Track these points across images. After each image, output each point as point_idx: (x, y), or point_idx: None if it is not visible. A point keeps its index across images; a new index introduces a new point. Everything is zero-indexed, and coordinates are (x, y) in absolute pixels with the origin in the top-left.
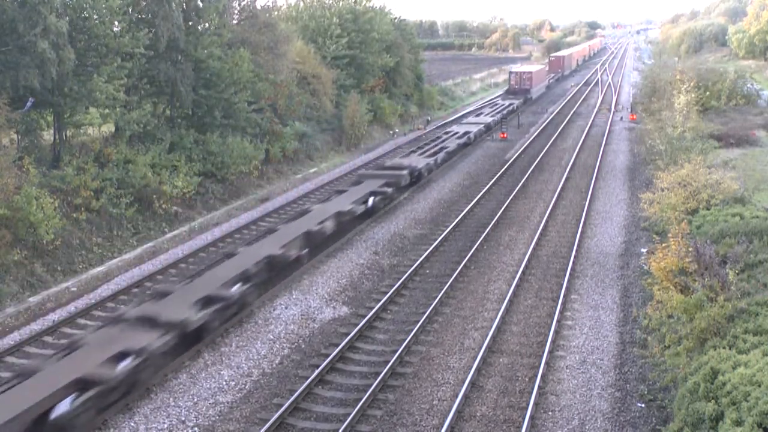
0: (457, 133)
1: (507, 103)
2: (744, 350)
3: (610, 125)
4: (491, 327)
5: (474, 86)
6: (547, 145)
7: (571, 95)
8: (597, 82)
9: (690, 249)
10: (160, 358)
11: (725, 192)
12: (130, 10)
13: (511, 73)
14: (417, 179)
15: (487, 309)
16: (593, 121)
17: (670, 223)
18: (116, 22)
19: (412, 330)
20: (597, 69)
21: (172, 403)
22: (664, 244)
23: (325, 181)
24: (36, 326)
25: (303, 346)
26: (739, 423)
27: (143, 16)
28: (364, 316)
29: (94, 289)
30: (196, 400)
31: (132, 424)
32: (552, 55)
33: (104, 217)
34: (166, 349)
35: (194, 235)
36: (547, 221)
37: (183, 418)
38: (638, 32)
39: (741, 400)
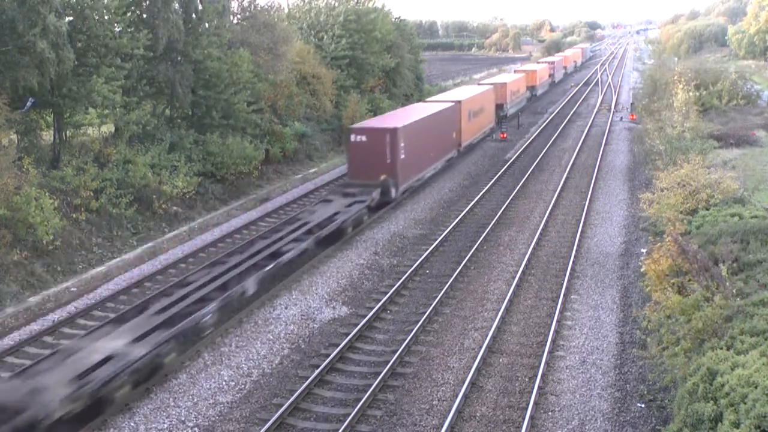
0: None
1: None
2: (742, 351)
3: (610, 125)
4: (491, 327)
5: None
6: (548, 145)
7: None
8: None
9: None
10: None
11: (725, 192)
12: (130, 11)
13: None
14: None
15: (487, 309)
16: (593, 121)
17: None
18: (115, 23)
19: (412, 330)
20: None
21: (172, 404)
22: (658, 245)
23: (326, 181)
24: (36, 326)
25: (303, 346)
26: (737, 425)
27: (144, 16)
28: (364, 316)
29: (94, 289)
30: (195, 400)
31: (132, 424)
32: (413, 106)
33: (104, 217)
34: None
35: (194, 235)
36: (547, 221)
37: (183, 418)
38: (638, 32)
39: (739, 402)
